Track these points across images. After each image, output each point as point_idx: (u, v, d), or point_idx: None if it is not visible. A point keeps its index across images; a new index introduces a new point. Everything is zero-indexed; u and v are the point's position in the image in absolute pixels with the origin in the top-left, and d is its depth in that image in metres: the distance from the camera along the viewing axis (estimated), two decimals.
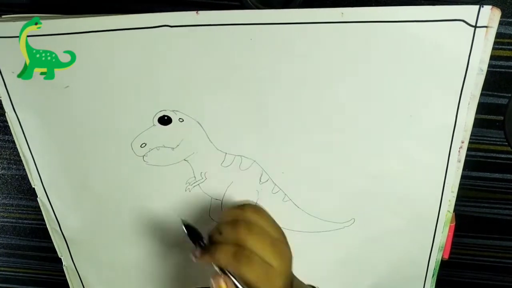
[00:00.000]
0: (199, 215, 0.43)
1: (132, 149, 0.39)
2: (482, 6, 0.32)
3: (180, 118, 0.38)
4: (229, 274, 0.32)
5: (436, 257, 0.44)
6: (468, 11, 0.32)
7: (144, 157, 0.40)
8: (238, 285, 0.32)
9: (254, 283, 0.31)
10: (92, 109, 0.38)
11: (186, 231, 0.35)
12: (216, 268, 0.33)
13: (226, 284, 0.32)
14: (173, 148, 0.40)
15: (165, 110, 0.38)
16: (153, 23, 0.34)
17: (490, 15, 0.32)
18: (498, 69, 0.40)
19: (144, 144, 0.39)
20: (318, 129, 0.38)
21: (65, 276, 0.47)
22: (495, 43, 0.33)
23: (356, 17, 0.33)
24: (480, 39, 0.33)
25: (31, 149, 0.40)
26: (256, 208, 0.36)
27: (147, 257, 0.46)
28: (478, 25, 0.33)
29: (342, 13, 0.33)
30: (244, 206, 0.36)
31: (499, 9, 0.32)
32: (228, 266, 0.32)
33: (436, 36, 0.33)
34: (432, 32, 0.33)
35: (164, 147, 0.40)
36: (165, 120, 0.38)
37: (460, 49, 0.34)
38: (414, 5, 0.33)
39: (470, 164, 0.44)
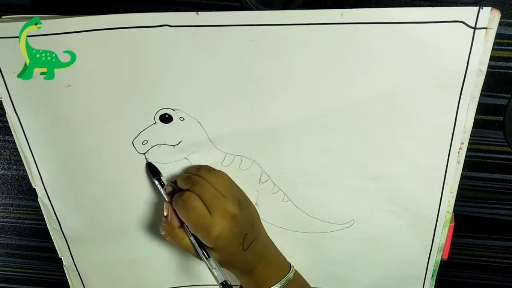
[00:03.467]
0: None
1: (134, 146, 0.40)
2: (482, 8, 0.32)
3: (180, 117, 0.38)
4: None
5: (436, 258, 0.44)
6: (467, 13, 0.32)
7: (146, 154, 0.40)
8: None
9: (187, 224, 0.38)
10: (93, 108, 0.38)
11: (148, 168, 0.41)
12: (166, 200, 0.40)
13: (168, 210, 0.39)
14: (174, 146, 0.40)
15: (166, 109, 0.38)
16: (153, 22, 0.34)
17: (490, 17, 0.32)
18: (497, 70, 0.40)
19: (145, 141, 0.39)
20: (318, 130, 0.38)
21: (65, 276, 0.47)
22: (495, 43, 0.33)
23: (356, 18, 0.33)
24: (479, 40, 0.33)
25: (31, 149, 0.40)
26: (210, 169, 0.40)
27: (147, 257, 0.46)
28: (477, 26, 0.32)
29: (342, 14, 0.33)
30: (201, 166, 0.40)
31: (498, 10, 0.32)
32: (174, 205, 0.38)
33: (436, 37, 0.33)
34: (431, 34, 0.33)
35: (165, 144, 0.40)
36: (166, 118, 0.38)
37: (459, 50, 0.34)
38: (414, 6, 0.33)
39: (469, 164, 0.44)
